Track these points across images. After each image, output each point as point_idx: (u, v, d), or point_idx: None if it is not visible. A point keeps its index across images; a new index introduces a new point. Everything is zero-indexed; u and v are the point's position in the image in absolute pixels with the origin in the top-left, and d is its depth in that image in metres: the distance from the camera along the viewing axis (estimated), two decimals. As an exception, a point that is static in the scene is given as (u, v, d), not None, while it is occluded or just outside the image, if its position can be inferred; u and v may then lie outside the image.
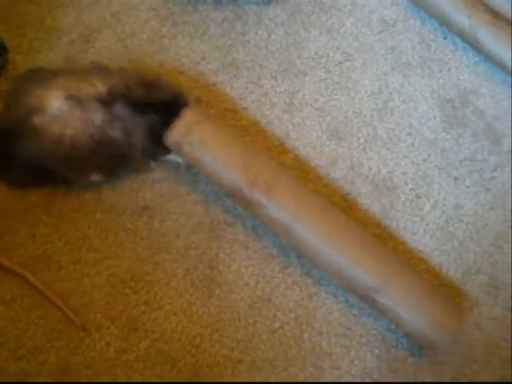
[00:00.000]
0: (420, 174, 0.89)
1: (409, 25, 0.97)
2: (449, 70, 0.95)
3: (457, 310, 0.77)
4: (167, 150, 0.82)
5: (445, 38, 0.97)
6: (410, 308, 0.74)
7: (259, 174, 0.77)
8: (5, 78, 0.88)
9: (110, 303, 0.80)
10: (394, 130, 0.91)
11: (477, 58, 0.96)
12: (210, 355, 0.79)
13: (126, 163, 0.83)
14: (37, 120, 0.76)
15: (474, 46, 0.94)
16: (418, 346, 0.80)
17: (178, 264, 0.83)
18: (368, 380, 0.79)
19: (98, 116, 0.77)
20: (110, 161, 0.81)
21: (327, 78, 0.94)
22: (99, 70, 0.83)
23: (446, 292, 0.83)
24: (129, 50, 0.93)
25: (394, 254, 0.82)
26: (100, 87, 0.78)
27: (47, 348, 0.78)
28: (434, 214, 0.87)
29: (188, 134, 0.78)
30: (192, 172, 0.87)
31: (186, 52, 0.93)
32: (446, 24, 0.96)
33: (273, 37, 0.95)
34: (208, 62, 0.93)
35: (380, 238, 0.85)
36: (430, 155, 0.91)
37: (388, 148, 0.90)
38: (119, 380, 0.78)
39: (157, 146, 0.81)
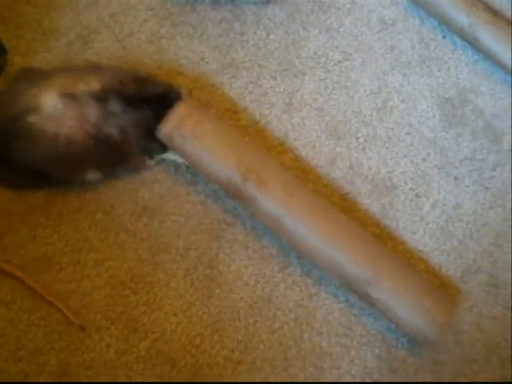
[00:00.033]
0: (419, 173, 0.89)
1: (408, 24, 0.97)
2: (448, 68, 0.95)
3: (448, 302, 0.77)
4: (163, 146, 0.82)
5: (444, 37, 0.97)
6: (402, 301, 0.75)
7: (252, 166, 0.78)
8: (4, 79, 0.88)
9: (110, 304, 0.80)
10: (393, 129, 0.91)
11: (476, 57, 0.96)
12: (210, 355, 0.79)
13: (123, 160, 0.83)
14: (32, 119, 0.76)
15: (474, 44, 0.94)
16: (412, 339, 0.79)
17: (177, 264, 0.83)
18: (368, 380, 0.79)
19: (93, 113, 0.77)
20: (106, 158, 0.81)
21: (326, 78, 0.94)
22: (92, 68, 0.83)
23: (438, 286, 0.83)
24: (127, 51, 0.92)
25: (385, 248, 0.82)
26: (94, 84, 0.78)
27: (47, 349, 0.78)
28: (433, 213, 0.87)
29: (180, 126, 0.78)
30: (191, 172, 0.87)
31: (184, 52, 0.93)
32: (445, 23, 0.96)
33: (272, 36, 0.95)
34: (207, 63, 0.93)
35: (380, 237, 0.85)
36: (429, 154, 0.90)
37: (387, 147, 0.90)
38: (119, 381, 0.78)
39: (152, 140, 0.81)
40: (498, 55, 0.92)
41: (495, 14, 0.92)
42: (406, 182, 0.89)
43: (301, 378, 0.79)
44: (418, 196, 0.88)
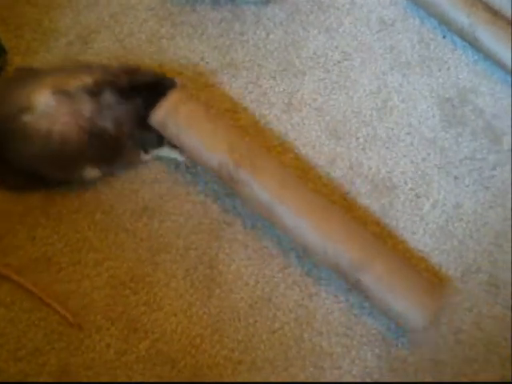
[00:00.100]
0: (419, 173, 0.89)
1: (408, 24, 0.97)
2: (448, 68, 0.95)
3: (437, 290, 0.78)
4: (157, 139, 0.82)
5: (444, 37, 0.97)
6: (392, 287, 0.75)
7: (245, 152, 0.78)
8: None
9: (110, 304, 0.80)
10: (393, 129, 0.91)
11: (476, 57, 0.96)
12: (210, 356, 0.79)
13: (118, 154, 0.83)
14: (26, 119, 0.76)
15: (474, 44, 0.94)
16: (400, 325, 0.79)
17: (177, 264, 0.83)
18: (368, 380, 0.79)
19: (86, 107, 0.77)
20: (101, 153, 0.81)
21: (326, 78, 0.94)
22: (84, 66, 0.84)
23: (428, 276, 0.83)
24: (127, 51, 0.93)
25: (376, 237, 0.82)
26: (86, 79, 0.78)
27: (47, 349, 0.78)
28: (433, 213, 0.87)
29: (173, 113, 0.78)
30: (191, 172, 0.87)
31: (184, 52, 0.93)
32: (445, 23, 0.96)
33: (271, 36, 0.95)
34: (207, 62, 0.93)
35: (380, 237, 0.85)
36: (429, 154, 0.90)
37: (387, 147, 0.90)
38: (119, 381, 0.78)
39: (146, 131, 0.81)
40: (498, 55, 0.92)
41: (495, 14, 0.92)
42: (406, 182, 0.89)
43: (301, 378, 0.79)
44: (417, 196, 0.88)
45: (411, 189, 0.88)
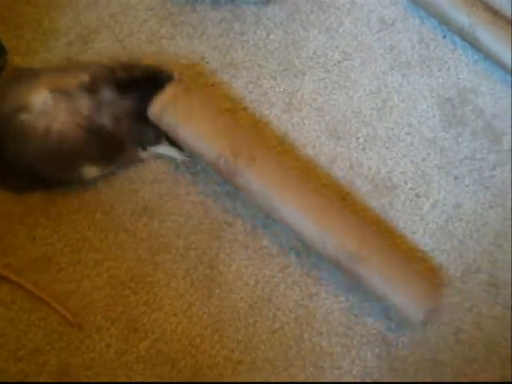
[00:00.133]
0: (419, 173, 0.89)
1: (408, 24, 0.97)
2: (448, 68, 0.95)
3: (434, 283, 0.79)
4: (156, 136, 0.82)
5: (444, 37, 0.97)
6: (389, 276, 0.75)
7: (242, 145, 0.78)
8: (3, 80, 0.88)
9: (110, 304, 0.80)
10: (393, 129, 0.91)
11: (476, 57, 0.96)
12: (210, 356, 0.79)
13: (116, 151, 0.83)
14: (23, 117, 0.77)
15: (474, 44, 0.94)
16: (399, 326, 0.80)
17: (177, 264, 0.83)
18: (368, 380, 0.79)
19: (84, 105, 0.78)
20: (100, 150, 0.81)
21: (326, 78, 0.93)
22: (82, 65, 0.84)
23: (428, 276, 0.84)
24: (127, 51, 0.93)
25: (371, 227, 0.83)
26: (82, 77, 0.79)
27: (47, 349, 0.78)
28: (433, 213, 0.87)
29: (171, 106, 0.78)
30: (191, 172, 0.87)
31: (184, 52, 0.93)
32: (445, 23, 0.96)
33: (271, 36, 0.95)
34: (207, 62, 0.93)
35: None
36: (429, 154, 0.90)
37: (387, 147, 0.90)
38: (119, 381, 0.78)
39: (145, 127, 0.81)
40: (498, 55, 0.92)
41: (495, 13, 0.92)
42: (406, 182, 0.89)
43: (301, 378, 0.79)
44: (418, 196, 0.88)
45: (411, 189, 0.88)
